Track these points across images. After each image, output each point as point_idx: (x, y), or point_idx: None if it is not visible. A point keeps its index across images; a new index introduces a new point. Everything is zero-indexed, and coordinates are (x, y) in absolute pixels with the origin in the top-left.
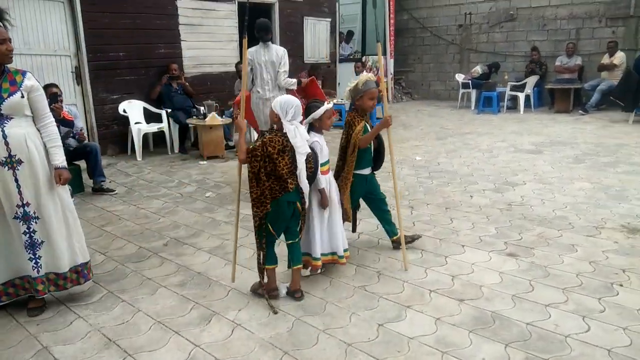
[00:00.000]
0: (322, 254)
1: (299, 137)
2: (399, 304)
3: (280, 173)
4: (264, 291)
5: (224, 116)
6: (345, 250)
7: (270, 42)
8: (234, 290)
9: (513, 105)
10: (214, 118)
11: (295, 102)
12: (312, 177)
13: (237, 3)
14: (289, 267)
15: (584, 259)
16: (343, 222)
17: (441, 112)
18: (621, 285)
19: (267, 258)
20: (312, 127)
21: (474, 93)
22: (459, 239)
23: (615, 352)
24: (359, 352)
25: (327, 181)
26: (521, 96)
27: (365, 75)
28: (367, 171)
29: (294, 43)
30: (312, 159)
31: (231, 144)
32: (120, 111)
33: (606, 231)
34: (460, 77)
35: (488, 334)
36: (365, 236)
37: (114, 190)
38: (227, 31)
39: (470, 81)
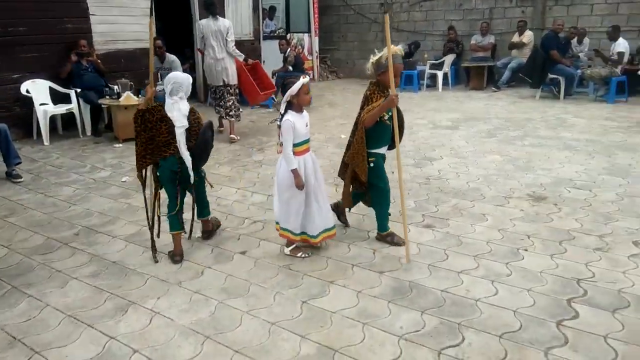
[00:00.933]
0: (294, 233)
1: (176, 112)
2: (323, 279)
3: (157, 140)
4: (170, 255)
5: (140, 95)
6: (325, 230)
7: (217, 16)
8: (153, 278)
9: (432, 84)
10: (129, 97)
11: (176, 79)
12: (198, 152)
13: None
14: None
15: (493, 227)
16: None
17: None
18: (526, 250)
19: (170, 224)
20: (291, 105)
21: None
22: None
23: (520, 312)
24: (283, 330)
25: (303, 161)
26: (439, 74)
27: (392, 48)
28: (384, 150)
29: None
30: (200, 134)
31: None
32: (23, 91)
33: (514, 200)
34: None
35: (406, 303)
36: None
37: (21, 177)
38: (142, 4)
39: None
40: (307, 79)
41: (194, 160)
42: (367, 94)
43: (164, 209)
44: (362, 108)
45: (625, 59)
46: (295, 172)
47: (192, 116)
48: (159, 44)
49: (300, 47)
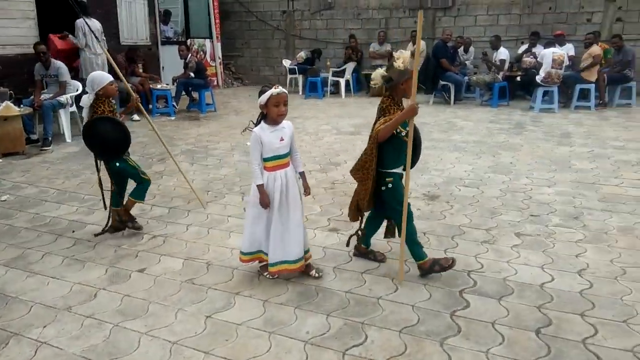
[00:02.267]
0: (249, 252)
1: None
2: (228, 292)
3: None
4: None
5: (22, 105)
6: (299, 259)
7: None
8: (38, 305)
9: (336, 90)
10: (8, 108)
11: (89, 77)
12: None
13: None
14: None
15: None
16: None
17: None
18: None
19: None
20: (264, 117)
21: (300, 78)
22: None
23: (417, 306)
24: (185, 349)
25: (273, 178)
26: (342, 81)
27: (403, 55)
28: (401, 169)
29: (106, 22)
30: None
31: (34, 137)
32: None
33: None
34: (287, 63)
35: (312, 307)
36: (194, 227)
37: None
38: (22, 7)
39: (296, 67)
40: (279, 89)
41: None
42: (382, 107)
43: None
44: (375, 123)
45: (506, 66)
46: (260, 188)
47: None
48: (43, 49)
49: (202, 53)
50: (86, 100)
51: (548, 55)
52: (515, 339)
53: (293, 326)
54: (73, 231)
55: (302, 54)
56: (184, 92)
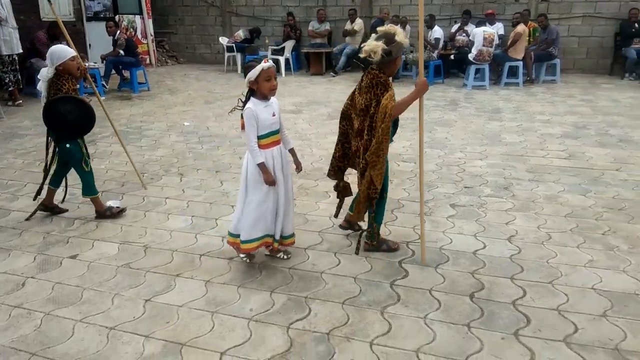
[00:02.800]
0: (255, 238)
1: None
2: (168, 274)
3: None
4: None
5: None
6: (293, 233)
7: None
8: None
9: (275, 69)
10: None
11: (49, 50)
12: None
13: None
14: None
15: (334, 202)
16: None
17: (208, 76)
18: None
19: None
20: (253, 93)
21: (239, 57)
22: (228, 200)
23: (359, 278)
24: (123, 334)
25: (271, 155)
26: (281, 60)
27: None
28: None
29: None
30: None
31: None
32: None
33: (352, 177)
34: (224, 41)
35: (255, 285)
36: (130, 210)
37: None
38: None
39: (234, 45)
40: (269, 63)
41: None
42: (378, 82)
43: None
44: (369, 96)
45: (441, 44)
46: (262, 166)
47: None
48: None
49: (132, 30)
50: (44, 74)
51: (479, 34)
52: (451, 304)
53: (236, 304)
54: None
55: (240, 33)
56: (114, 71)
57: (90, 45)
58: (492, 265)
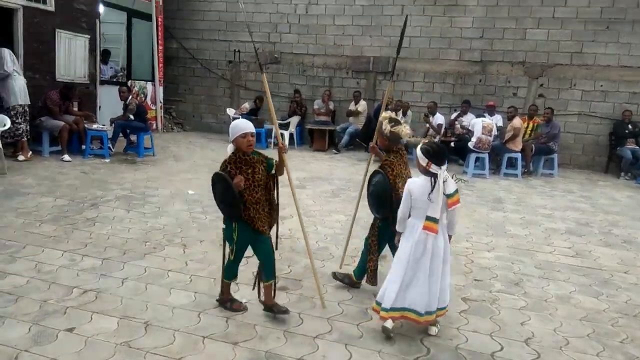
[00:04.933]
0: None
1: None
2: (169, 357)
3: None
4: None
5: None
6: (438, 309)
7: None
8: None
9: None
10: None
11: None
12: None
13: None
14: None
15: (342, 287)
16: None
17: (213, 145)
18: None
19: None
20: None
21: None
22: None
23: None
24: None
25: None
26: (286, 134)
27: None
28: None
29: (43, 57)
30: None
31: None
32: None
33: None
34: (231, 112)
35: None
36: (131, 282)
37: None
38: None
39: (240, 116)
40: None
41: None
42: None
43: None
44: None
45: (442, 130)
46: None
47: None
48: None
49: (142, 95)
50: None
51: (478, 123)
52: None
53: None
54: None
55: (246, 105)
56: (121, 135)
57: (100, 107)
58: None
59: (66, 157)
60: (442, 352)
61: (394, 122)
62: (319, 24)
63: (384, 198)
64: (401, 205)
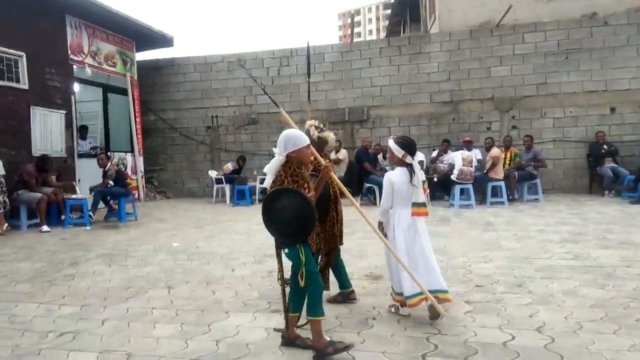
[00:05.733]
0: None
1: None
2: None
3: None
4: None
5: None
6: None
7: None
8: None
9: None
10: None
11: (284, 134)
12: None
13: None
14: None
15: (340, 304)
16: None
17: (197, 207)
18: (374, 319)
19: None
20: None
21: (227, 188)
22: (222, 306)
23: None
24: None
25: None
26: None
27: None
28: None
29: (18, 133)
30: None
31: None
32: None
33: (355, 281)
34: (213, 174)
35: None
36: (112, 322)
37: None
38: None
39: (223, 177)
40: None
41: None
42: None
43: None
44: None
45: (424, 167)
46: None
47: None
48: None
49: (123, 166)
50: (273, 165)
51: (457, 157)
52: None
53: None
54: None
55: (228, 165)
56: (102, 202)
57: (79, 180)
58: (527, 354)
59: (45, 227)
60: (451, 347)
61: (319, 128)
62: (291, 83)
63: (321, 201)
64: (384, 197)
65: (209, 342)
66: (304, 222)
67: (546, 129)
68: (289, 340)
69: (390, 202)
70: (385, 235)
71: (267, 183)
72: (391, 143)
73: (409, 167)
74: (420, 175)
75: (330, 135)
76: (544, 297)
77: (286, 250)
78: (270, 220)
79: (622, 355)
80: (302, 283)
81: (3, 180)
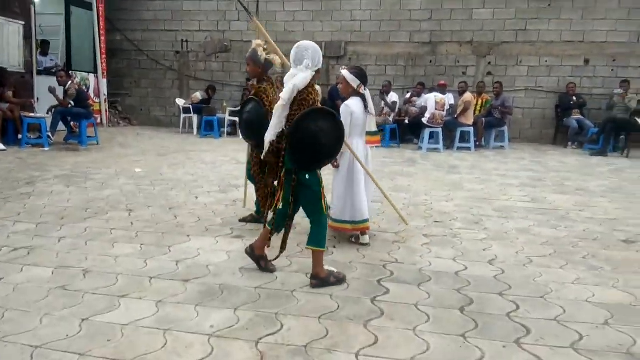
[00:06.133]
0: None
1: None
2: (111, 295)
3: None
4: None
5: None
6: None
7: None
8: None
9: (233, 131)
10: None
11: (303, 44)
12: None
13: None
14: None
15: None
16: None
17: (163, 136)
18: (334, 247)
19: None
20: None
21: (195, 118)
22: (184, 230)
23: (336, 295)
24: (52, 352)
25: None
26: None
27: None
28: None
29: None
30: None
31: None
32: None
33: None
34: (180, 102)
35: (217, 304)
36: (69, 240)
37: None
38: None
39: (191, 106)
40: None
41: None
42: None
43: None
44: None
45: (397, 107)
46: None
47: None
48: None
49: (85, 87)
50: (302, 80)
51: (431, 99)
52: (441, 317)
53: (194, 322)
54: None
55: (197, 95)
56: (61, 122)
57: (38, 99)
58: (477, 283)
59: (0, 145)
60: (406, 274)
61: (266, 50)
62: (268, 10)
63: (258, 124)
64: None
65: (169, 262)
66: (337, 144)
67: (520, 77)
68: (254, 255)
69: (348, 132)
70: (338, 166)
71: (288, 96)
72: (346, 73)
73: (362, 97)
74: (372, 105)
75: (276, 59)
76: (499, 234)
77: (307, 176)
78: (303, 142)
79: (565, 287)
80: (325, 209)
81: None
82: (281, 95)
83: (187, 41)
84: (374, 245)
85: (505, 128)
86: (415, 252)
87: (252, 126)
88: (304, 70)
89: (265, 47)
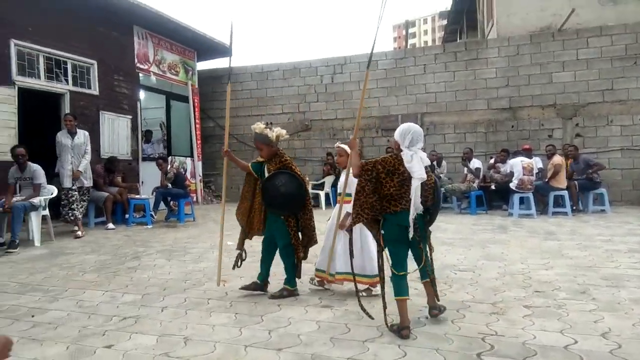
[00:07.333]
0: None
1: (417, 163)
2: None
3: (384, 193)
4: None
5: None
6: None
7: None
8: None
9: (315, 203)
10: None
11: (412, 127)
12: (435, 207)
13: (17, 88)
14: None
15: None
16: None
17: None
18: (427, 318)
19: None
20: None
21: None
22: (275, 300)
23: None
24: None
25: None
26: (321, 194)
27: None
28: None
29: (89, 135)
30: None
31: (0, 240)
32: None
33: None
34: None
35: None
36: (171, 309)
37: None
38: (3, 116)
39: None
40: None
41: (431, 216)
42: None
43: None
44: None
45: (481, 174)
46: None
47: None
48: (22, 152)
49: (182, 170)
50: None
51: (517, 164)
52: None
53: None
54: (33, 316)
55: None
56: (162, 203)
57: (142, 182)
58: (590, 358)
59: (110, 225)
60: (508, 348)
61: (269, 128)
62: (344, 90)
63: (299, 194)
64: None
65: (262, 331)
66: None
67: (613, 137)
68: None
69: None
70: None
71: (420, 175)
72: (343, 145)
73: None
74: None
75: (282, 132)
76: (610, 304)
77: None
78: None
79: None
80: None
81: (75, 192)
82: (418, 174)
83: (271, 123)
84: (469, 317)
85: (604, 190)
86: (516, 324)
87: (292, 197)
88: (418, 151)
89: (267, 126)
